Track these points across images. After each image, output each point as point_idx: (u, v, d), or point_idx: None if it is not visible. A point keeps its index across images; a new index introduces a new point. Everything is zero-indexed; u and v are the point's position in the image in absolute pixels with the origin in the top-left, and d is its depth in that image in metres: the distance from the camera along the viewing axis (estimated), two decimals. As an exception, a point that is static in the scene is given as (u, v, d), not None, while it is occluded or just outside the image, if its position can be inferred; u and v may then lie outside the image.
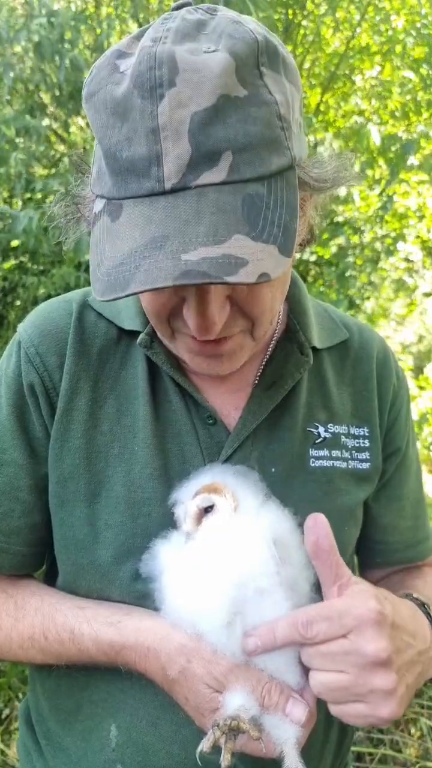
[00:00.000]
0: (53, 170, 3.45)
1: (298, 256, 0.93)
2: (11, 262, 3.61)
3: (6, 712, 2.05)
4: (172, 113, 0.55)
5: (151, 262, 0.54)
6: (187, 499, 0.71)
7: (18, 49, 3.19)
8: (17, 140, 3.23)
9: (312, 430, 0.84)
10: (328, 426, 0.85)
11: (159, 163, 0.56)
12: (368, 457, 0.87)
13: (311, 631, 0.62)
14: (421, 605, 0.78)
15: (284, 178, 0.61)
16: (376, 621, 0.61)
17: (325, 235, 3.68)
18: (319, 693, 0.64)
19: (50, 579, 0.86)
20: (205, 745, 0.62)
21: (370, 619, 0.61)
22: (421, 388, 4.52)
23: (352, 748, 1.97)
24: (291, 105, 0.63)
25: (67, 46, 3.05)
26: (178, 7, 0.65)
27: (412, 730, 2.09)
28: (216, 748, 0.62)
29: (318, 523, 0.65)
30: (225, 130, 0.56)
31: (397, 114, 3.94)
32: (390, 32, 3.88)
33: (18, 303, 3.71)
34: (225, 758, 0.62)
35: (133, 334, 0.81)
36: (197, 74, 0.56)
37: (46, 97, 3.54)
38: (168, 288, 0.55)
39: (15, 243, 3.48)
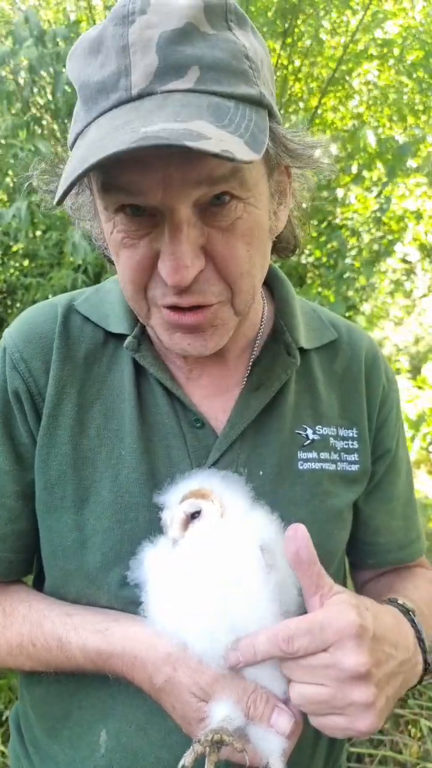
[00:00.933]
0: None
1: (294, 258, 0.94)
2: (12, 268, 3.63)
3: (6, 713, 2.06)
4: (141, 33, 0.59)
5: (111, 142, 0.55)
6: (173, 504, 0.71)
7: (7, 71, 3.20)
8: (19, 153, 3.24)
9: (300, 432, 0.83)
10: (317, 428, 0.84)
11: (127, 74, 0.59)
12: (357, 459, 0.87)
13: (292, 647, 0.61)
14: (406, 612, 0.77)
15: (253, 108, 0.62)
16: (356, 634, 0.61)
17: (323, 238, 3.69)
18: (299, 705, 0.64)
19: (39, 584, 0.86)
20: (187, 760, 0.61)
21: (350, 632, 0.61)
22: (419, 388, 4.52)
23: (352, 749, 1.98)
24: (260, 59, 0.65)
25: (61, 67, 3.05)
26: None
27: (412, 731, 2.09)
28: (201, 760, 0.62)
29: (298, 533, 0.64)
30: (192, 49, 0.59)
31: (394, 118, 3.95)
32: (387, 35, 3.88)
33: (18, 305, 3.73)
34: None
35: (120, 337, 0.81)
36: (167, 6, 0.60)
37: (38, 108, 3.54)
38: (123, 156, 0.53)
39: (15, 248, 3.50)
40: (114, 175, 0.60)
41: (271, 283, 0.90)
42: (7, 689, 2.12)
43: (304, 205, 0.83)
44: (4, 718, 2.05)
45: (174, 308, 0.67)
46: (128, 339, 0.79)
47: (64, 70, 3.02)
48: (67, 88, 3.11)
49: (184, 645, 0.66)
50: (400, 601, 0.79)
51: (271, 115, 0.66)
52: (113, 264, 0.83)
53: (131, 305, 0.73)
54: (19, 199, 3.14)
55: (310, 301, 0.97)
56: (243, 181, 0.63)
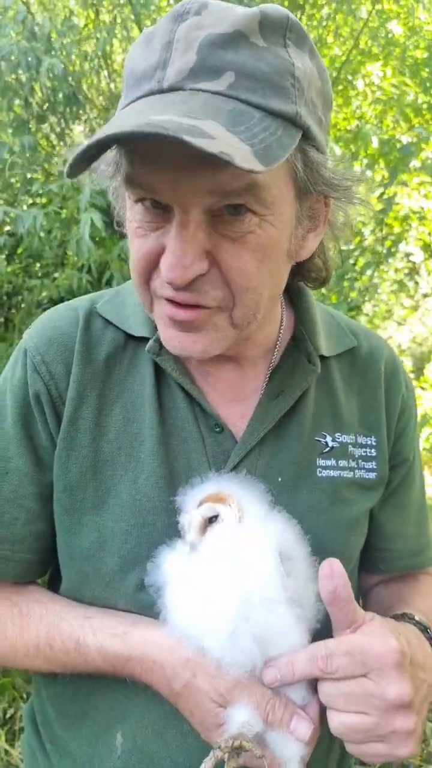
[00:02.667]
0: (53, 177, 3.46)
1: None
2: (15, 266, 3.62)
3: (10, 712, 2.06)
4: (189, 32, 0.60)
5: (121, 124, 0.56)
6: (191, 508, 0.71)
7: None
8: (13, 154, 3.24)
9: (320, 439, 0.83)
10: (336, 435, 0.85)
11: (164, 68, 0.60)
12: (375, 467, 0.87)
13: (331, 666, 0.61)
14: (425, 630, 0.78)
15: (283, 124, 0.60)
16: (398, 663, 0.61)
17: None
18: (339, 733, 0.64)
19: (53, 586, 0.86)
20: (207, 766, 0.62)
21: (392, 660, 0.61)
22: (422, 389, 4.52)
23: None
24: (308, 80, 0.64)
25: (53, 59, 3.02)
26: None
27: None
28: (220, 764, 0.62)
29: (335, 571, 0.63)
30: (233, 56, 0.59)
31: (398, 118, 3.94)
32: (390, 35, 3.88)
33: (23, 306, 3.72)
34: None
35: (141, 340, 0.81)
36: (222, 11, 0.61)
37: (36, 100, 3.53)
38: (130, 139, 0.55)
39: (20, 250, 3.49)
40: (132, 168, 0.62)
41: (290, 291, 0.90)
42: (11, 688, 2.12)
43: (342, 243, 0.83)
44: (7, 716, 2.06)
45: (172, 302, 0.68)
46: (150, 342, 0.79)
47: (48, 59, 3.00)
48: (47, 82, 3.08)
49: (202, 650, 0.66)
50: (417, 618, 0.80)
51: (309, 138, 0.64)
52: None
53: (138, 296, 0.74)
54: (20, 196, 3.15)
55: (327, 307, 0.97)
56: (259, 198, 0.62)
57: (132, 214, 0.68)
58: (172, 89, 0.59)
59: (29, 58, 2.97)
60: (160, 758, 0.74)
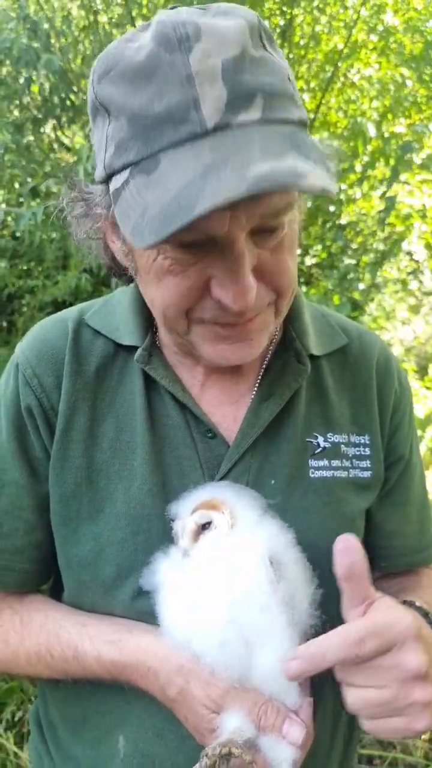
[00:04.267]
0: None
1: (299, 258, 0.94)
2: (17, 269, 3.64)
3: (19, 714, 2.07)
4: (204, 60, 0.57)
5: (215, 180, 0.53)
6: (185, 514, 0.71)
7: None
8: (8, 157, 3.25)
9: (311, 440, 0.83)
10: (328, 435, 0.85)
11: (197, 107, 0.57)
12: (369, 466, 0.86)
13: (364, 648, 0.60)
14: (425, 615, 0.78)
15: (305, 130, 0.64)
16: (417, 635, 0.61)
17: (329, 241, 3.68)
18: (356, 710, 0.63)
19: (56, 593, 0.87)
20: None
21: (412, 633, 0.61)
22: (427, 388, 4.50)
23: (362, 752, 1.98)
24: (291, 77, 0.66)
25: (51, 55, 3.03)
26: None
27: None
28: None
29: (350, 545, 0.63)
30: (252, 76, 0.59)
31: (396, 110, 3.91)
32: (381, 28, 3.85)
33: (25, 309, 3.74)
34: None
35: (130, 349, 0.81)
36: (219, 32, 0.59)
37: (33, 100, 3.54)
38: (234, 206, 0.53)
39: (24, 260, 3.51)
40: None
41: None
42: (19, 691, 2.13)
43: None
44: (16, 719, 2.07)
45: (223, 323, 0.68)
46: (138, 351, 0.80)
47: (44, 56, 3.00)
48: (44, 82, 3.08)
49: (196, 656, 0.67)
50: (417, 604, 0.80)
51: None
52: (121, 277, 0.83)
53: (166, 325, 0.73)
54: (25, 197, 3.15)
55: (319, 306, 0.97)
56: (293, 208, 0.65)
57: (156, 253, 0.65)
58: (217, 128, 0.57)
59: (29, 56, 2.98)
60: (161, 761, 0.75)
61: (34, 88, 3.32)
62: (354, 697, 0.63)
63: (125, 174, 0.62)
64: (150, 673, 0.71)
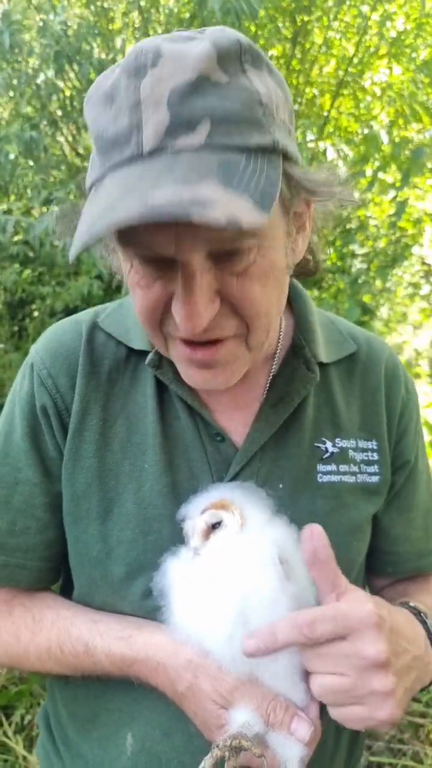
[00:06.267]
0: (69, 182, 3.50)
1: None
2: (27, 272, 3.67)
3: (28, 718, 2.08)
4: (153, 88, 0.58)
5: (120, 208, 0.55)
6: (195, 515, 0.73)
7: (33, 60, 3.23)
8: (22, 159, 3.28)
9: (319, 445, 0.85)
10: (336, 441, 0.86)
11: (139, 131, 0.59)
12: (377, 471, 0.87)
13: (315, 631, 0.62)
14: (418, 613, 0.79)
15: (266, 157, 0.61)
16: (375, 624, 0.62)
17: (338, 242, 3.68)
18: (319, 696, 0.65)
19: (66, 592, 0.88)
20: (206, 764, 0.63)
21: (370, 622, 0.62)
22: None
23: (372, 759, 1.96)
24: (275, 101, 0.64)
25: (78, 58, 3.09)
26: None
27: (433, 741, 2.06)
28: (221, 765, 0.63)
29: (314, 533, 0.65)
30: (203, 102, 0.58)
31: (407, 114, 3.91)
32: (393, 33, 3.86)
33: (36, 315, 3.77)
34: None
35: (142, 353, 0.83)
36: (179, 57, 0.59)
37: (54, 105, 3.58)
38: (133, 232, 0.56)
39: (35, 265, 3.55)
40: (128, 233, 0.61)
41: (289, 297, 0.90)
42: (28, 695, 2.14)
43: (325, 231, 0.84)
44: (25, 722, 2.07)
45: (188, 342, 0.68)
46: (149, 356, 0.81)
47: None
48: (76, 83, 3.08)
49: (205, 652, 0.68)
50: (411, 604, 0.81)
51: (287, 157, 0.65)
52: None
53: (149, 338, 0.75)
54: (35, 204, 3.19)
55: (327, 313, 0.98)
56: (255, 234, 0.63)
57: (129, 266, 0.68)
58: (153, 152, 0.58)
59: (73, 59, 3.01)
60: (167, 759, 0.76)
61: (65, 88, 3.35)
62: (315, 683, 0.64)
63: (92, 190, 0.64)
64: (159, 668, 0.72)
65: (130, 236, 0.62)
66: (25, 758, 1.92)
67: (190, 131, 0.58)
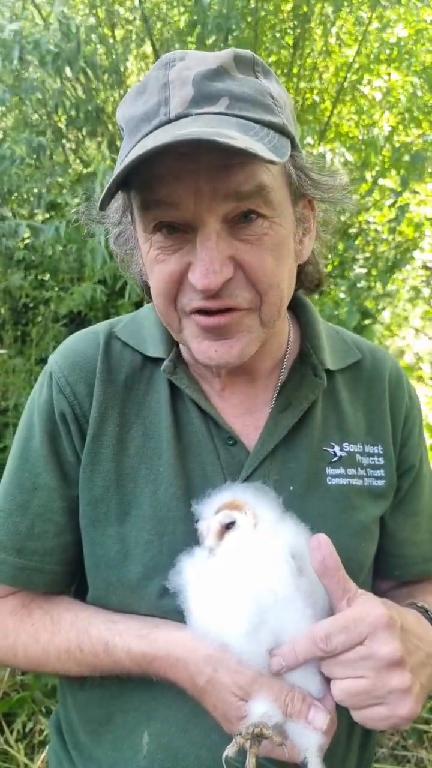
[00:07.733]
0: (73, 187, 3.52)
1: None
2: (32, 279, 3.67)
3: (29, 725, 2.06)
4: (180, 72, 0.68)
5: (150, 144, 0.62)
6: (209, 515, 0.75)
7: (34, 60, 3.24)
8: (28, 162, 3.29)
9: (328, 449, 0.87)
10: (344, 445, 0.88)
11: (167, 104, 0.67)
12: (383, 475, 0.90)
13: (331, 644, 0.65)
14: (425, 612, 0.81)
15: (277, 133, 0.69)
16: (387, 625, 0.65)
17: (341, 246, 3.69)
18: (341, 700, 0.67)
19: (80, 595, 0.89)
20: (230, 751, 0.65)
21: (381, 623, 0.65)
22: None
23: (377, 765, 1.95)
24: (283, 99, 0.73)
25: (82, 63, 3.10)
26: None
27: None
28: (243, 753, 0.65)
29: (322, 543, 0.67)
30: (223, 84, 0.68)
31: (406, 117, 3.93)
32: (393, 40, 3.89)
33: (39, 320, 3.77)
34: (250, 763, 0.65)
35: (157, 361, 0.85)
36: (203, 56, 0.70)
37: (61, 119, 3.61)
38: (159, 155, 0.61)
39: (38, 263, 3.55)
40: (152, 191, 0.67)
41: (295, 308, 0.95)
42: (30, 702, 2.12)
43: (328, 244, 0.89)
44: (27, 730, 2.05)
45: (202, 312, 0.71)
46: (165, 362, 0.84)
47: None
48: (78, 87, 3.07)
49: (223, 647, 0.70)
50: (419, 604, 0.83)
51: (294, 147, 0.71)
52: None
53: (164, 320, 0.78)
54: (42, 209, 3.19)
55: (333, 325, 1.02)
56: (268, 200, 0.69)
57: (149, 246, 0.73)
58: (179, 117, 0.66)
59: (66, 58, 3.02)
60: (184, 754, 0.78)
61: (68, 91, 3.36)
62: (336, 688, 0.67)
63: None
64: (179, 664, 0.73)
65: (153, 194, 0.67)
66: (26, 766, 1.90)
67: (212, 104, 0.67)
